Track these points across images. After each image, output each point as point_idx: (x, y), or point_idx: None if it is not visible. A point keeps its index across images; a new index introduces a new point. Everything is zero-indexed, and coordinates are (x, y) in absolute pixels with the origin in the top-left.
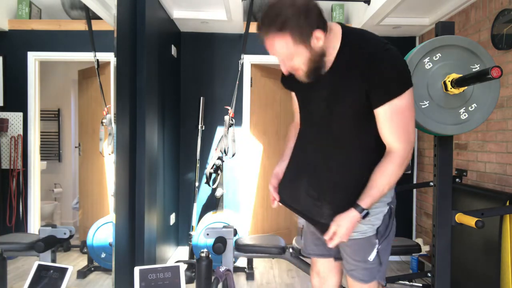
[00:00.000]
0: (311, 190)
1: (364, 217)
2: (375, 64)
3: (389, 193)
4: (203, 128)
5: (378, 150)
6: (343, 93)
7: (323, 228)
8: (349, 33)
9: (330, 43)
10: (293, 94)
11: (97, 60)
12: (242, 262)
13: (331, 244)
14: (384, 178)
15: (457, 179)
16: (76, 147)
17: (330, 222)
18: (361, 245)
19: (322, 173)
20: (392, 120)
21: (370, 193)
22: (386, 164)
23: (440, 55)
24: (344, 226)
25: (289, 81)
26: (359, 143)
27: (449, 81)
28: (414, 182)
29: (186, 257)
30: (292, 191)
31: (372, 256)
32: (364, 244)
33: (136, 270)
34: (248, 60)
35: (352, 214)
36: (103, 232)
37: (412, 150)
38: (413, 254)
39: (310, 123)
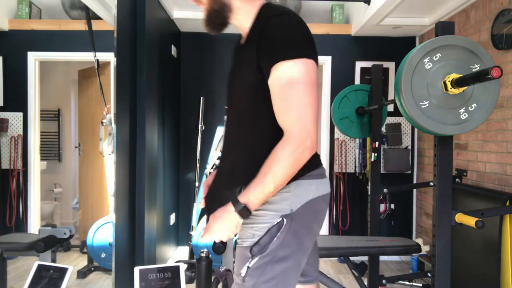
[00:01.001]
0: (217, 174)
1: (243, 216)
2: (266, 29)
3: (287, 201)
4: (203, 128)
5: (275, 138)
6: (242, 66)
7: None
8: (265, 8)
9: (245, 15)
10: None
11: (97, 60)
12: None
13: (202, 239)
14: (268, 167)
15: (457, 179)
16: (76, 147)
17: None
18: (239, 255)
19: (225, 155)
20: (282, 95)
21: (251, 185)
22: (275, 149)
23: (440, 55)
24: (215, 221)
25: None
26: (257, 126)
27: (449, 81)
28: (414, 182)
29: (186, 257)
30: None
31: (243, 272)
32: (240, 254)
33: (136, 270)
34: None
35: (227, 209)
36: (103, 232)
37: (315, 143)
38: (413, 254)
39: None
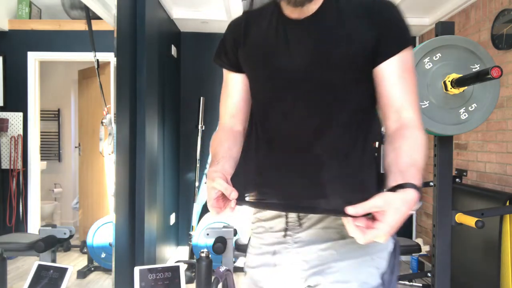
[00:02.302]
0: (308, 169)
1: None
2: (387, 11)
3: None
4: (203, 128)
5: (376, 118)
6: (340, 39)
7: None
8: None
9: None
10: (232, 75)
11: (97, 60)
12: (242, 262)
13: (364, 240)
14: (416, 152)
15: (457, 179)
16: (76, 147)
17: (339, 207)
18: None
19: (322, 143)
20: (405, 79)
21: (414, 167)
22: (414, 133)
23: (440, 55)
24: (399, 211)
25: (237, 37)
26: (358, 106)
27: (449, 81)
28: None
29: (186, 257)
30: (267, 180)
31: None
32: None
33: (136, 270)
34: None
35: (409, 195)
36: (103, 232)
37: None
38: (413, 254)
39: (280, 97)
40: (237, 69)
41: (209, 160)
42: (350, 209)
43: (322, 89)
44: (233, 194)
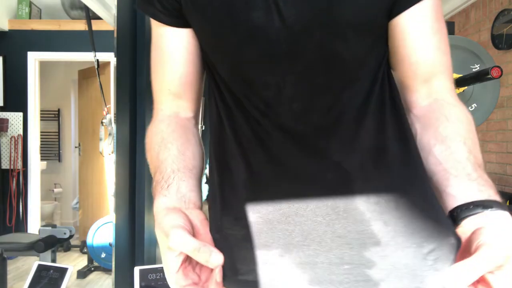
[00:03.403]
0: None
1: None
2: None
3: None
4: (203, 128)
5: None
6: None
7: None
8: None
9: None
10: (170, 31)
11: (97, 60)
12: None
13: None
14: (476, 140)
15: None
16: (76, 147)
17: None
18: None
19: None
20: (438, 32)
21: (481, 168)
22: (464, 114)
23: None
24: None
25: None
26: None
27: None
28: None
29: None
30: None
31: None
32: None
33: (136, 270)
34: None
35: (509, 221)
36: (103, 232)
37: None
38: None
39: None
40: (179, 21)
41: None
42: (451, 279)
43: (328, 62)
44: (215, 257)
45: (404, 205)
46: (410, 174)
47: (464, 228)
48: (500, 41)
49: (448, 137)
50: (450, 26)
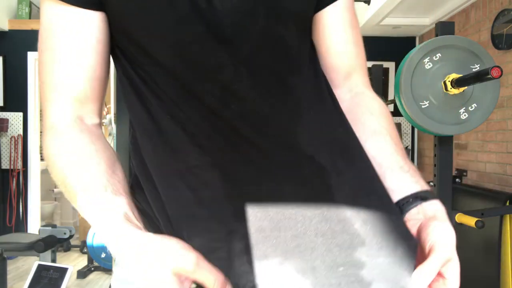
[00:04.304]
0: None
1: None
2: None
3: None
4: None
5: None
6: None
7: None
8: None
9: None
10: (76, 14)
11: None
12: None
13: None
14: (395, 129)
15: (457, 179)
16: None
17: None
18: None
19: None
20: (354, 29)
21: (407, 158)
22: (382, 109)
23: (440, 55)
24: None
25: None
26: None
27: (449, 81)
28: None
29: None
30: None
31: None
32: None
33: None
34: None
35: (443, 212)
36: None
37: None
38: None
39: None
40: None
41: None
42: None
43: (273, 47)
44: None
45: (373, 203)
46: (368, 169)
47: (409, 223)
48: (500, 41)
49: (376, 132)
50: (450, 26)
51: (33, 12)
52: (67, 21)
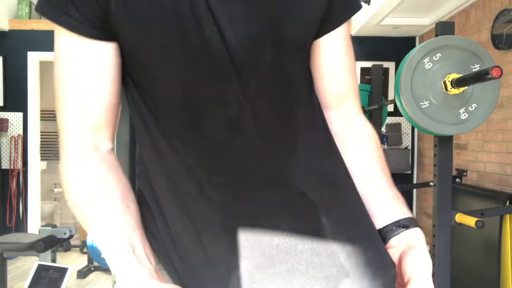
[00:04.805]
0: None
1: None
2: None
3: None
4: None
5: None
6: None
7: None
8: None
9: None
10: (91, 45)
11: None
12: None
13: None
14: (383, 157)
15: (457, 179)
16: None
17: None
18: None
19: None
20: (349, 55)
21: (392, 185)
22: (374, 138)
23: (440, 55)
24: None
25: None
26: (315, 98)
27: (449, 81)
28: (414, 182)
29: None
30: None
31: None
32: None
33: None
34: None
35: (422, 241)
36: None
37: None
38: None
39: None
40: (102, 33)
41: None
42: None
43: (277, 77)
44: None
45: (357, 236)
46: (355, 200)
47: (392, 250)
48: (500, 41)
49: (364, 160)
50: (450, 26)
51: (33, 12)
52: (81, 50)
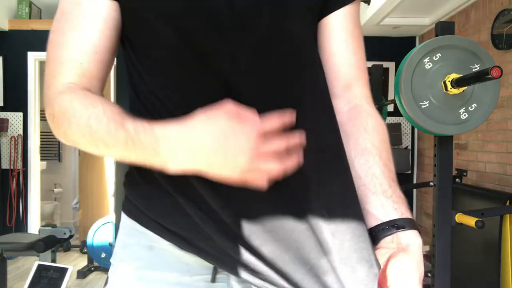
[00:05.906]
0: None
1: None
2: None
3: None
4: None
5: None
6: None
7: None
8: None
9: None
10: None
11: None
12: None
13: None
14: (389, 150)
15: (457, 179)
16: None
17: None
18: None
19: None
20: (357, 38)
21: (395, 182)
22: (375, 123)
23: (440, 55)
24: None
25: None
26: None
27: (449, 81)
28: (414, 182)
29: None
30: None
31: None
32: None
33: None
34: None
35: (417, 244)
36: (103, 232)
37: None
38: None
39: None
40: None
41: None
42: None
43: (278, 39)
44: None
45: (348, 217)
46: (349, 186)
47: (382, 251)
48: (500, 41)
49: (366, 150)
50: (450, 26)
51: (33, 12)
52: (80, 5)
